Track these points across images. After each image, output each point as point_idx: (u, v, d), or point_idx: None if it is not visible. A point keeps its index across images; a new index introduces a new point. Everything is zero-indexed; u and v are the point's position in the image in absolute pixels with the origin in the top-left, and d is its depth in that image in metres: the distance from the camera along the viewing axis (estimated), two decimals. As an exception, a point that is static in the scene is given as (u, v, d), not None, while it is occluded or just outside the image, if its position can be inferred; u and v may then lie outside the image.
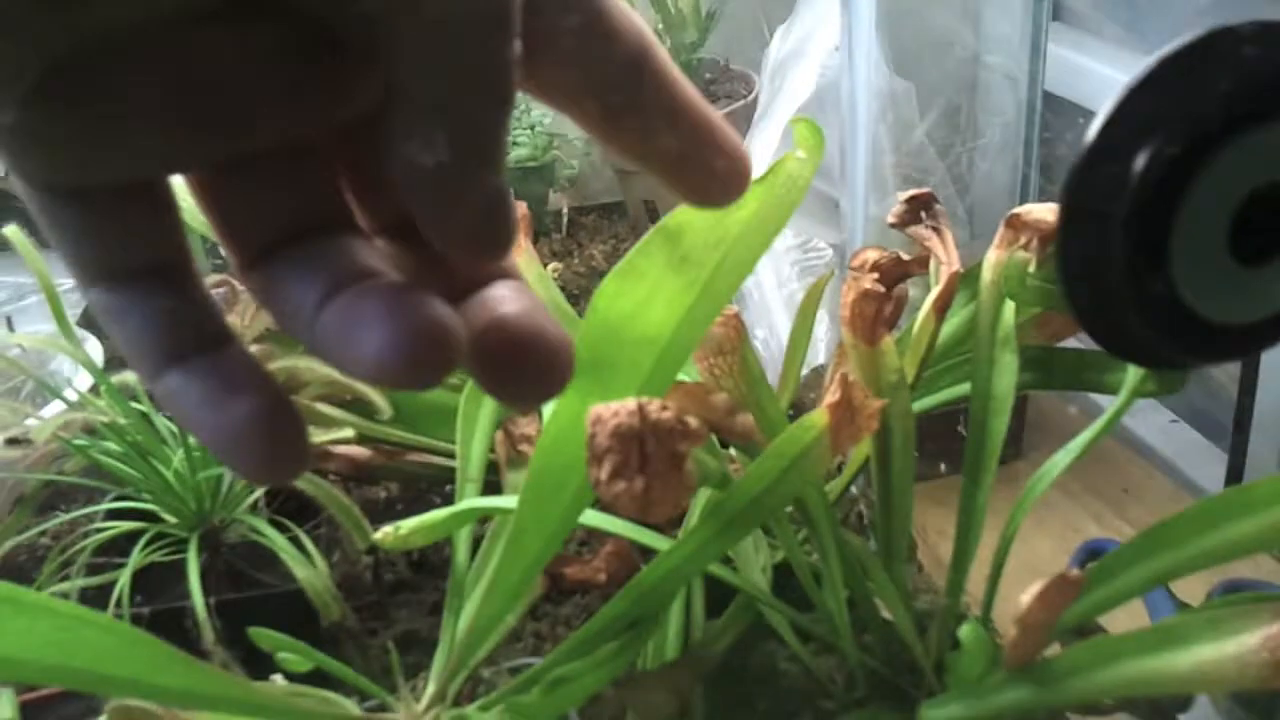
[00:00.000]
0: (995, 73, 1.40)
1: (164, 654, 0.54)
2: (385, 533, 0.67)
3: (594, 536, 0.87)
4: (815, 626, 0.66)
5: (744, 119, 1.47)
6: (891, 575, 0.66)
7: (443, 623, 0.66)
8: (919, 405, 0.77)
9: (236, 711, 0.57)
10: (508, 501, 0.65)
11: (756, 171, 0.41)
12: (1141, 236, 0.40)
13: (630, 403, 0.52)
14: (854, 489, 0.84)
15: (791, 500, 0.63)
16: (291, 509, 0.80)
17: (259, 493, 0.80)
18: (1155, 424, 1.13)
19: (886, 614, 0.67)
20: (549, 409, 0.71)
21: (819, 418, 0.60)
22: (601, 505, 0.65)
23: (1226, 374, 1.12)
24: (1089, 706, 0.69)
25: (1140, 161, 0.40)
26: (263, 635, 0.63)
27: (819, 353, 1.15)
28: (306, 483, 0.71)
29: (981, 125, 1.44)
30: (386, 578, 0.91)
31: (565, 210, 1.56)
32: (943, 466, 1.02)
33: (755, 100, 1.50)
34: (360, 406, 0.80)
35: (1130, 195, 0.40)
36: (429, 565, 0.93)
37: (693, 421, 0.53)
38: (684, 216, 0.59)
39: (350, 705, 0.61)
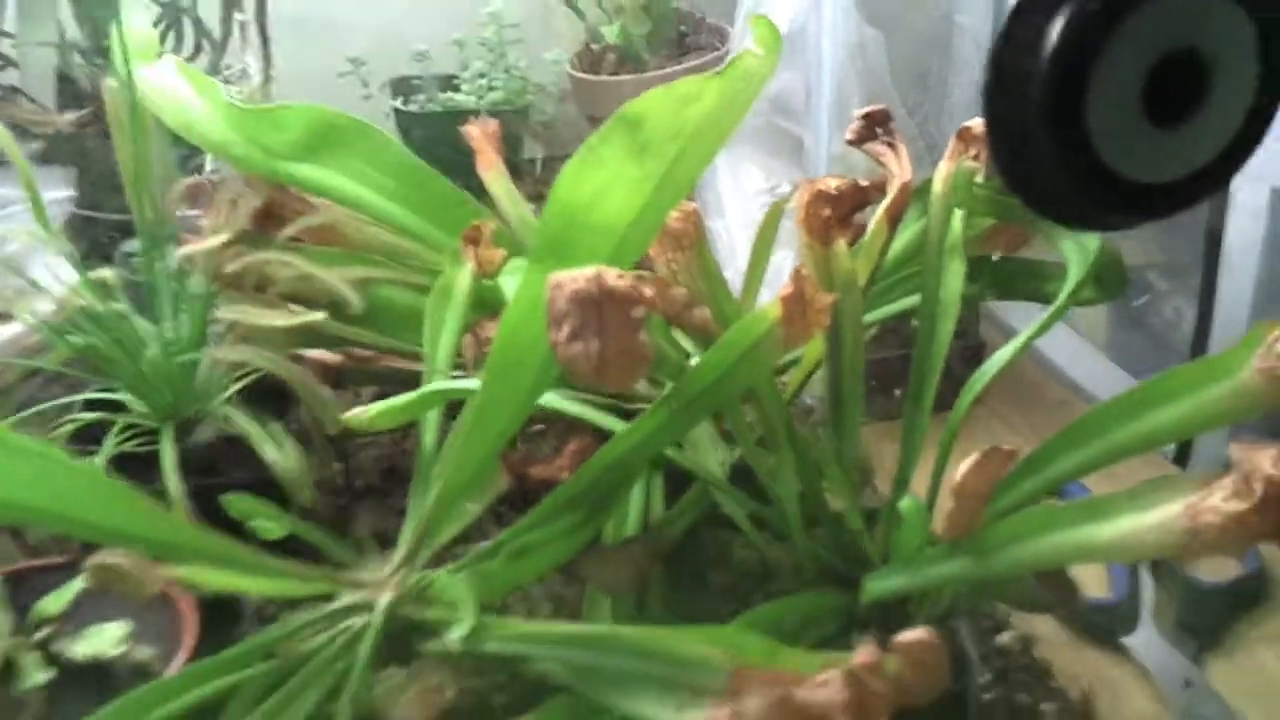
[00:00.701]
0: (965, 34, 1.43)
1: (144, 506, 0.57)
2: (354, 413, 0.70)
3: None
4: (768, 516, 0.69)
5: (717, 70, 1.49)
6: (841, 470, 0.69)
7: (409, 503, 0.69)
8: (872, 315, 0.80)
9: (211, 563, 0.60)
10: (473, 383, 0.68)
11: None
12: (1060, 92, 0.43)
13: (588, 270, 0.54)
14: (809, 400, 0.87)
15: (745, 388, 0.66)
16: (265, 407, 0.82)
17: (232, 388, 0.82)
18: (1112, 382, 1.16)
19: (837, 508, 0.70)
20: (512, 291, 0.74)
21: (772, 309, 0.63)
22: (563, 381, 0.68)
23: (1182, 334, 1.16)
24: (1022, 600, 0.73)
25: (1060, 20, 0.43)
26: (236, 501, 0.65)
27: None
28: (277, 366, 0.73)
29: (950, 85, 1.47)
30: (356, 484, 0.94)
31: (540, 155, 1.58)
32: (897, 392, 1.05)
33: (728, 53, 1.53)
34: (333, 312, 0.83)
35: (1050, 51, 0.43)
36: (398, 474, 0.96)
37: (647, 289, 0.56)
38: (643, 106, 0.62)
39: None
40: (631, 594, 0.67)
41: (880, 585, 0.63)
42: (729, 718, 0.51)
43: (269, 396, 0.84)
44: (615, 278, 0.55)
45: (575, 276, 0.54)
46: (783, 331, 0.63)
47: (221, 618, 0.72)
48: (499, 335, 0.62)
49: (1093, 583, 0.90)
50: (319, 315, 0.74)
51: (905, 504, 0.62)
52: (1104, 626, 0.87)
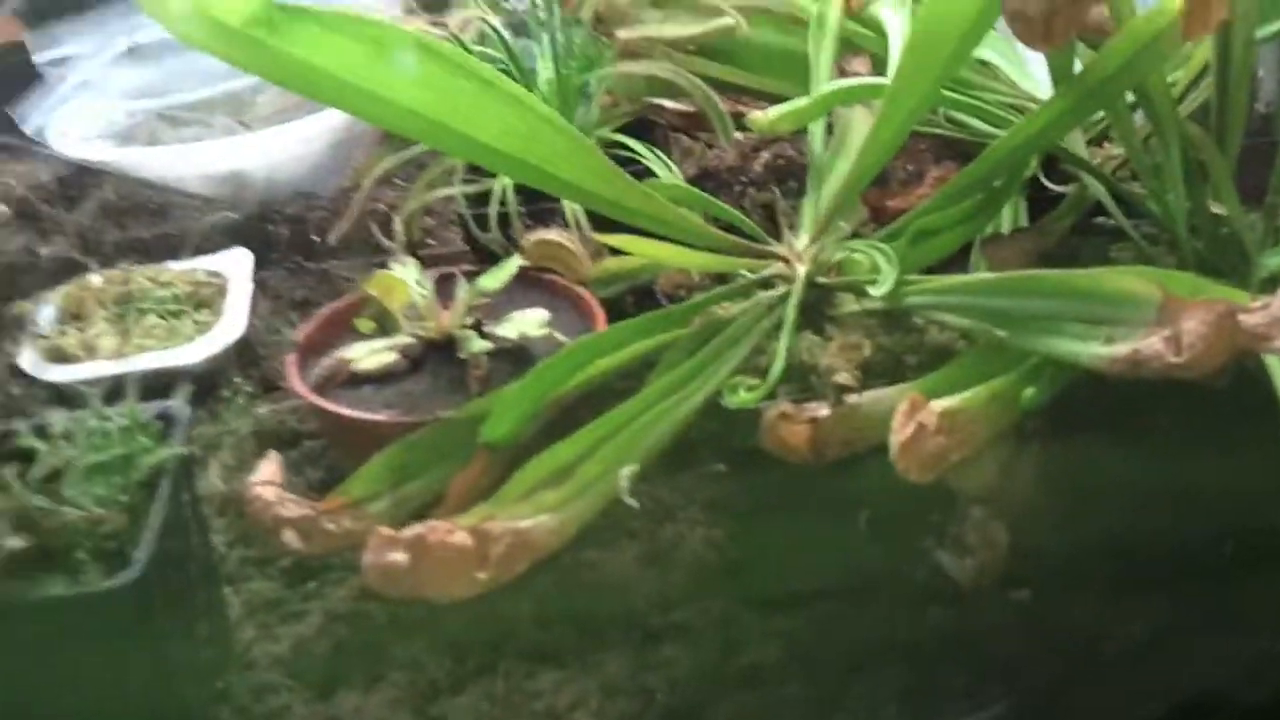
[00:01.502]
0: None
1: (601, 162, 0.63)
2: (755, 117, 0.75)
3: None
4: (1149, 215, 0.72)
5: None
6: (1225, 168, 0.71)
7: (805, 198, 0.74)
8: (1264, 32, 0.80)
9: (651, 226, 0.66)
10: (878, 80, 0.72)
11: None
12: None
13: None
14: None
15: (1138, 82, 0.68)
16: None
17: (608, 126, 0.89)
18: None
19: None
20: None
21: (1172, 3, 0.65)
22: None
23: None
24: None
25: None
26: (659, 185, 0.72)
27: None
28: (677, 75, 0.79)
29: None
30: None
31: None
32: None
33: None
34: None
35: None
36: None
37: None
38: None
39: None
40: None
41: (1277, 260, 0.66)
42: (1164, 342, 0.55)
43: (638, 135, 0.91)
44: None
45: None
46: (1182, 25, 0.65)
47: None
48: (913, 25, 0.66)
49: None
50: (726, 22, 0.79)
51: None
52: None
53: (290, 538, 0.65)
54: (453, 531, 0.56)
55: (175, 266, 0.97)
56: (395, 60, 0.54)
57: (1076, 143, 0.76)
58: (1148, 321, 0.56)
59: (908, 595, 0.67)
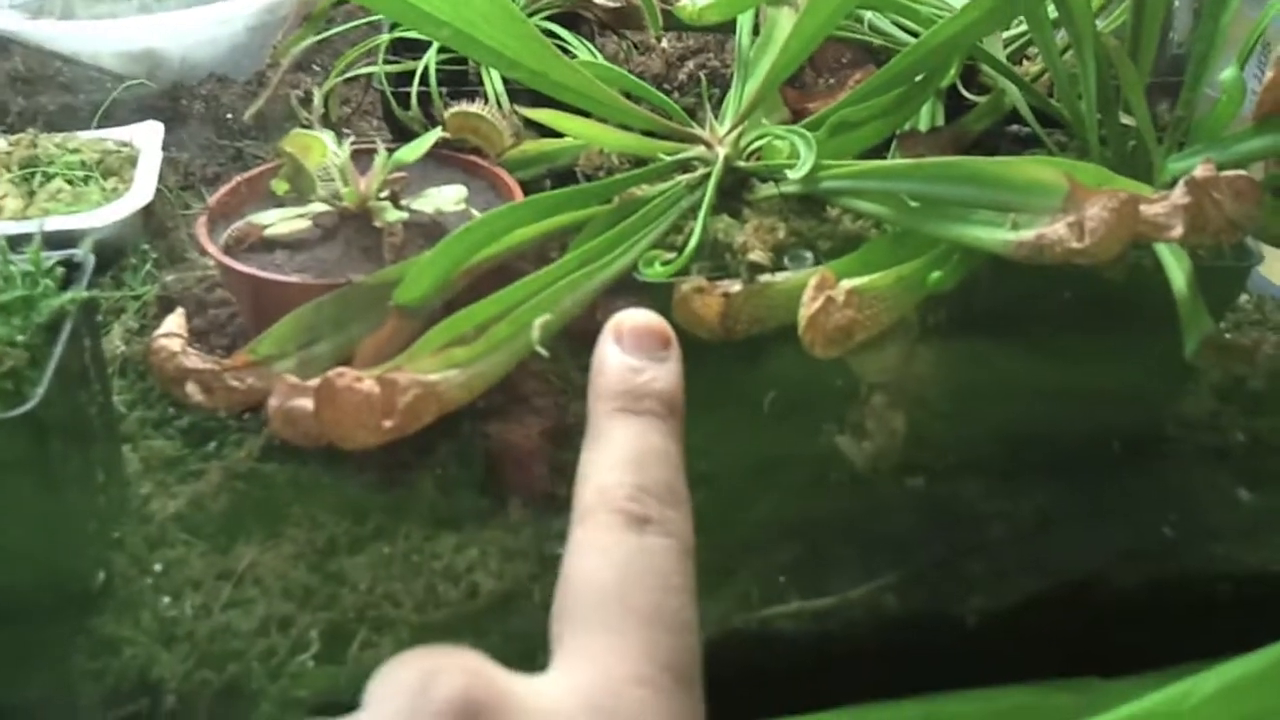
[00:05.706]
0: None
1: (530, 31, 0.63)
2: (682, 5, 0.75)
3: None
4: (1063, 122, 0.73)
5: None
6: (1139, 81, 0.72)
7: (731, 90, 0.74)
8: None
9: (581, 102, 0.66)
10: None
11: None
12: None
13: None
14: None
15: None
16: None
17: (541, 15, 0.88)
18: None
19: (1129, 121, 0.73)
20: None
21: (1097, -88, 0.66)
22: None
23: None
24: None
25: None
26: (585, 62, 0.71)
27: None
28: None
29: None
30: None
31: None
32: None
33: None
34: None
35: None
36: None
37: None
38: None
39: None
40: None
41: (1181, 164, 0.67)
42: (1068, 228, 0.56)
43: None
44: None
45: None
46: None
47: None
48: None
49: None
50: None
51: (1227, 75, 0.65)
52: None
53: (193, 390, 0.64)
54: (360, 379, 0.56)
55: (84, 135, 0.95)
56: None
57: (997, 52, 0.77)
58: (1054, 209, 0.57)
59: (806, 477, 0.68)
